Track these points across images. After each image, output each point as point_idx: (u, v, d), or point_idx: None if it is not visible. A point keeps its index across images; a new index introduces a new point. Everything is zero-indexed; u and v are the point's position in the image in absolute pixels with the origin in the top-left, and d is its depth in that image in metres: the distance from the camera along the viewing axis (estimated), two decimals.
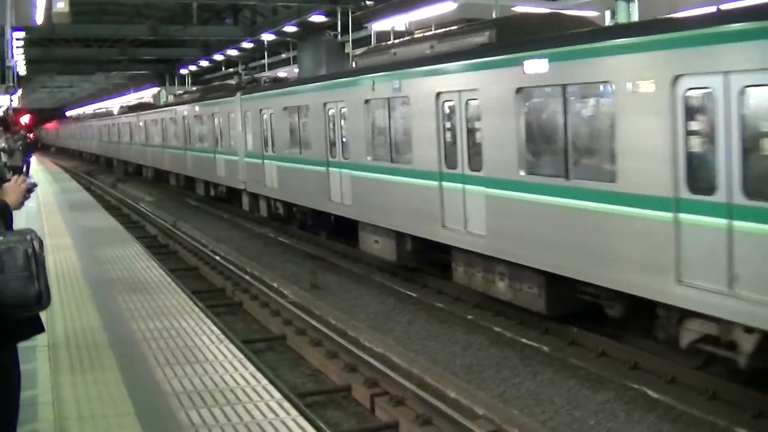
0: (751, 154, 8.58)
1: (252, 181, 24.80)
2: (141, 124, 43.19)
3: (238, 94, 25.91)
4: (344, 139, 18.10)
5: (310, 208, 20.74)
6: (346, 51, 33.58)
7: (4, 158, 23.24)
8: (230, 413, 6.50)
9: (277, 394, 6.99)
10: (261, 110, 23.44)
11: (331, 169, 18.73)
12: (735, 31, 8.58)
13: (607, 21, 20.68)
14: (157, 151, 39.57)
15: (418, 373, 10.83)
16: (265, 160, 23.48)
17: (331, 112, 18.72)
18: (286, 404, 6.75)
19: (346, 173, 17.89)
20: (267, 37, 38.70)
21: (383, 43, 21.12)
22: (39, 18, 29.87)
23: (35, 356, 8.10)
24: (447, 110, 14.18)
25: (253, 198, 25.51)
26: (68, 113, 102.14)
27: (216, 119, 28.45)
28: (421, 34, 20.19)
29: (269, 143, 23.19)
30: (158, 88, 64.39)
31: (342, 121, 18.15)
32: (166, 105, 42.10)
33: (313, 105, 19.64)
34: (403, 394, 9.66)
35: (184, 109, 33.71)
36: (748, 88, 8.49)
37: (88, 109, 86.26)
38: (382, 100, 16.16)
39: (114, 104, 72.56)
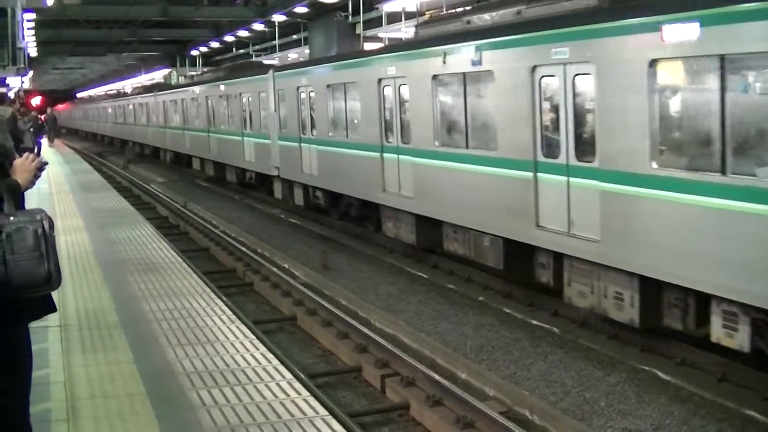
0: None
1: None
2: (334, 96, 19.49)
3: None
4: None
5: None
6: (357, 32, 33.49)
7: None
8: (241, 393, 6.52)
9: (288, 375, 7.01)
10: None
11: None
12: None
13: None
14: (354, 160, 18.07)
15: (428, 354, 10.84)
16: None
17: None
18: (297, 384, 6.76)
19: None
20: (278, 17, 38.61)
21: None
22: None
23: (47, 336, 8.13)
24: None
25: None
26: (101, 89, 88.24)
27: None
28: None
29: None
30: (169, 69, 64.45)
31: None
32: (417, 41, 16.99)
33: None
34: (413, 375, 9.67)
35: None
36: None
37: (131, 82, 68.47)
38: None
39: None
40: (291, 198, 23.08)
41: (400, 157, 15.97)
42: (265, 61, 39.64)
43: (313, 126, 20.54)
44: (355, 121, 18.33)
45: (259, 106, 24.71)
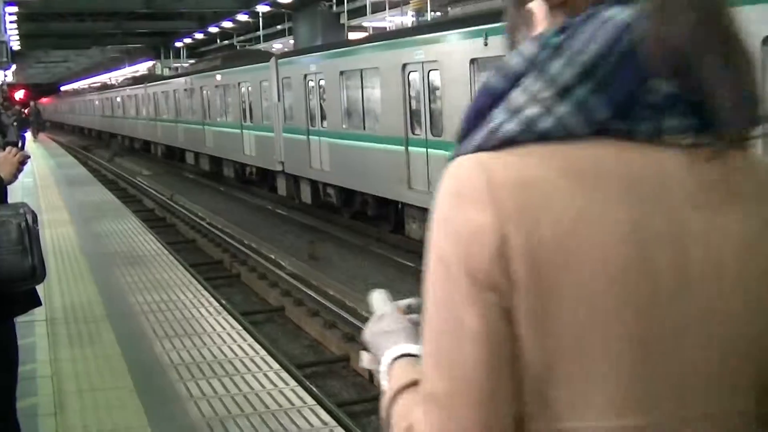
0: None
1: None
2: None
3: None
4: None
5: None
6: (341, 22, 33.45)
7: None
8: (229, 384, 6.52)
9: (276, 365, 7.01)
10: None
11: None
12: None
13: None
14: None
15: None
16: None
17: None
18: (285, 375, 6.77)
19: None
20: (262, 8, 38.52)
21: None
22: None
23: (33, 330, 8.10)
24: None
25: None
26: (85, 82, 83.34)
27: None
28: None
29: None
30: (153, 62, 64.22)
31: None
32: None
33: None
34: None
35: None
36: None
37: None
38: None
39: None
40: (297, 195, 21.47)
41: (430, 151, 14.66)
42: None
43: (323, 117, 19.25)
44: (375, 111, 17.06)
45: (260, 96, 23.38)
